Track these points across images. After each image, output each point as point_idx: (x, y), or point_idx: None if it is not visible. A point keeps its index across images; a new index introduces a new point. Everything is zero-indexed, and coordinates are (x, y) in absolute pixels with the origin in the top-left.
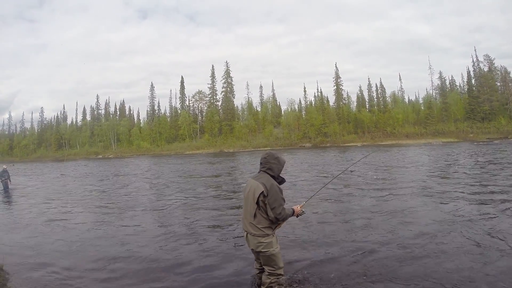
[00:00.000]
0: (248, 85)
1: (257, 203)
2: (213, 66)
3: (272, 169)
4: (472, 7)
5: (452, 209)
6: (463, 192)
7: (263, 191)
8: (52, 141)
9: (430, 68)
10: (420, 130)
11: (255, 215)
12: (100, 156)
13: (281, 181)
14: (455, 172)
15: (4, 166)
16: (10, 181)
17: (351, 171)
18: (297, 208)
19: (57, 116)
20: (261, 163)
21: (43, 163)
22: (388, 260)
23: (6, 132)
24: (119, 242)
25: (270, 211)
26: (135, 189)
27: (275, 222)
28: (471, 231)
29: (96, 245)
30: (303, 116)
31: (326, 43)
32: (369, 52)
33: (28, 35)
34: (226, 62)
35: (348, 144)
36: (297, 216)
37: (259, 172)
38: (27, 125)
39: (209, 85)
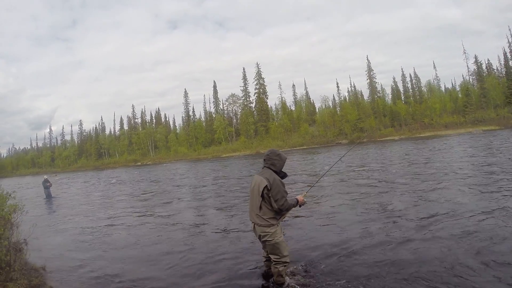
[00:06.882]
0: (280, 85)
1: (262, 196)
2: (244, 69)
3: (274, 164)
4: None
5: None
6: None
7: (266, 185)
8: (92, 151)
9: (465, 53)
10: (459, 119)
11: (260, 207)
12: (139, 163)
13: (283, 176)
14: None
15: (45, 176)
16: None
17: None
18: (301, 197)
19: (96, 128)
20: (264, 160)
21: (84, 172)
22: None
23: (48, 145)
24: (157, 248)
25: (274, 203)
26: (175, 194)
27: (279, 212)
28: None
29: (136, 249)
30: (338, 113)
31: (356, 37)
32: (400, 42)
33: (64, 54)
34: (257, 63)
35: (385, 138)
36: (300, 206)
37: (263, 168)
38: (67, 137)
39: (242, 88)
